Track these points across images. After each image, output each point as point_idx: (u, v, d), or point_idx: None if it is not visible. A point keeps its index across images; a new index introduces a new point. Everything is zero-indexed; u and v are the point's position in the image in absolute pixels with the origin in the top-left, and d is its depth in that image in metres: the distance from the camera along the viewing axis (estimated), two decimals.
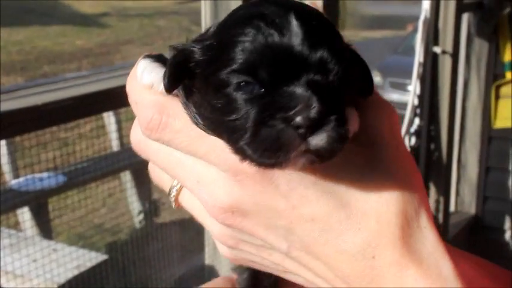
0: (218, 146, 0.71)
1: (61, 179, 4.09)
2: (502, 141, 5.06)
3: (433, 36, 4.36)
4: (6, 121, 1.97)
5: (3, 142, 4.27)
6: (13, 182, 4.26)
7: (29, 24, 16.73)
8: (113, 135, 4.58)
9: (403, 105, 4.64)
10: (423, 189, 0.76)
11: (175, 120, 0.74)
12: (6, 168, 4.39)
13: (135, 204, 4.90)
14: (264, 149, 0.65)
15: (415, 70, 4.45)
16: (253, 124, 0.65)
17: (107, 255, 3.00)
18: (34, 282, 2.58)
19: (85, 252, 2.95)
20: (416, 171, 0.77)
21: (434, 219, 4.50)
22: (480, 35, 4.86)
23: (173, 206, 0.81)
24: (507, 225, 5.19)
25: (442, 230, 4.71)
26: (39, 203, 4.36)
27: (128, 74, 0.80)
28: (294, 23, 0.66)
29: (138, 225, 4.90)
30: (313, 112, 0.63)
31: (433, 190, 4.65)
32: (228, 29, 0.70)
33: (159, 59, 0.78)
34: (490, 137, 5.08)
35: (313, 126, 0.63)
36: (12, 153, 4.37)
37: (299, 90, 0.65)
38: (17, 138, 3.64)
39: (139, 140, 0.79)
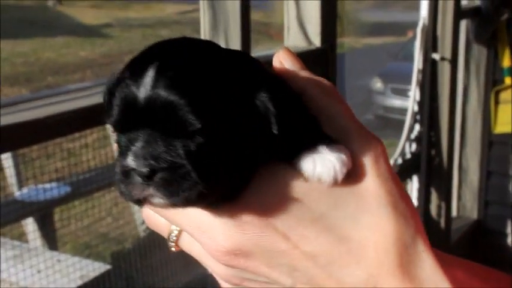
0: None
1: (66, 189, 4.11)
2: (503, 146, 5.08)
3: (431, 43, 4.39)
4: (6, 135, 1.99)
5: (9, 155, 4.29)
6: (18, 193, 4.28)
7: (33, 36, 16.78)
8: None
9: (405, 111, 4.66)
10: (416, 215, 0.77)
11: None
12: (11, 179, 4.41)
13: (139, 214, 4.92)
14: (123, 192, 0.70)
15: (414, 77, 4.48)
16: (116, 170, 0.71)
17: (110, 264, 3.02)
18: None
19: (88, 262, 2.96)
20: (408, 198, 0.78)
21: (437, 224, 4.52)
22: (478, 41, 4.88)
23: (173, 249, 0.82)
24: (509, 229, 5.20)
25: (444, 235, 4.73)
26: (44, 213, 4.38)
27: None
28: (151, 71, 0.68)
29: (142, 234, 4.91)
30: (145, 163, 0.67)
31: (434, 195, 4.67)
32: (126, 66, 0.74)
33: None
34: (491, 142, 5.10)
35: (149, 176, 0.67)
36: (17, 164, 4.39)
37: (137, 141, 0.68)
38: (24, 149, 3.67)
39: None
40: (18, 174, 4.41)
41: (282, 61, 0.84)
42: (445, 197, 4.68)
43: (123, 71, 0.71)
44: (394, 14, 19.06)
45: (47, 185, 3.86)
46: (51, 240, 4.41)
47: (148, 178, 0.67)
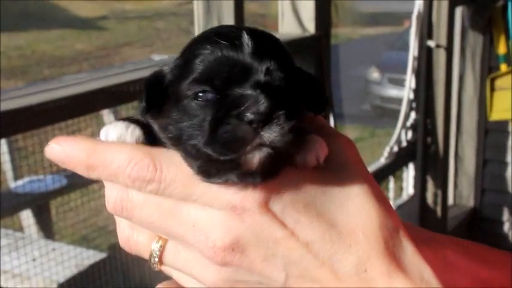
0: (212, 186, 0.73)
1: (62, 181, 4.11)
2: (499, 133, 5.09)
3: (427, 30, 4.39)
4: (2, 121, 1.99)
5: (5, 146, 4.29)
6: (13, 185, 4.28)
7: (29, 29, 16.77)
8: None
9: (402, 101, 4.66)
10: (390, 203, 0.80)
11: (169, 168, 0.75)
12: (8, 170, 4.41)
13: None
14: (222, 145, 0.70)
15: (410, 64, 4.48)
16: (210, 124, 0.71)
17: (107, 253, 3.02)
18: (33, 281, 2.60)
19: (83, 250, 2.97)
20: (382, 191, 0.81)
21: (433, 212, 4.53)
22: (474, 28, 4.88)
23: (156, 268, 0.81)
24: (505, 217, 5.21)
25: (441, 223, 4.74)
26: (40, 205, 4.39)
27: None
28: (245, 39, 0.73)
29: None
30: (262, 107, 0.69)
31: (430, 183, 4.68)
32: (190, 48, 0.77)
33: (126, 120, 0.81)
34: (487, 129, 5.10)
35: (264, 121, 0.69)
36: (13, 156, 4.39)
37: (248, 90, 0.71)
38: (20, 143, 3.67)
39: (121, 198, 0.78)
40: (14, 166, 4.41)
41: None
42: (441, 184, 4.69)
43: (202, 41, 0.75)
44: (391, 4, 19.02)
45: (43, 177, 3.86)
46: (48, 231, 4.42)
47: (264, 124, 0.69)
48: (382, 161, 4.37)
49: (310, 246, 0.74)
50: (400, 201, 4.65)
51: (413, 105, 4.57)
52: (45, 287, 2.70)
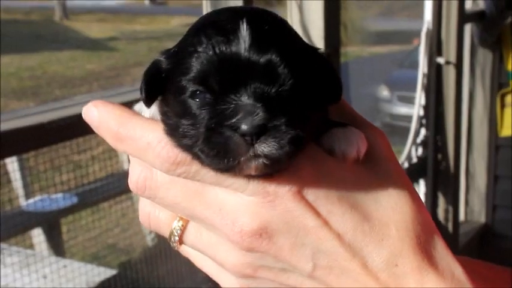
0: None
1: (73, 199, 4.12)
2: (510, 149, 5.06)
3: (436, 47, 4.39)
4: (12, 139, 2.01)
5: (16, 166, 4.31)
6: (25, 204, 4.29)
7: (40, 50, 16.90)
8: (124, 156, 4.61)
9: (412, 118, 4.66)
10: (423, 203, 0.80)
11: None
12: (19, 190, 4.42)
13: None
14: (214, 155, 0.68)
15: (420, 81, 4.48)
16: (204, 131, 0.68)
17: (117, 270, 3.02)
18: None
19: (94, 267, 2.97)
20: (413, 187, 0.81)
21: (444, 228, 4.50)
22: (483, 44, 4.88)
23: (175, 247, 0.80)
24: None
25: (452, 239, 4.71)
26: (51, 223, 4.39)
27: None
28: (243, 29, 0.68)
29: (150, 244, 4.91)
30: (256, 120, 0.66)
31: (441, 200, 4.65)
32: (187, 38, 0.74)
33: None
34: (497, 145, 5.08)
35: (259, 133, 0.66)
36: (24, 175, 4.40)
37: (243, 98, 0.67)
38: (31, 162, 3.68)
39: (145, 177, 0.77)
40: (25, 185, 4.42)
41: None
42: (452, 201, 4.67)
43: (198, 31, 0.71)
44: (400, 23, 19.07)
45: (54, 196, 3.87)
46: (58, 250, 4.41)
47: (258, 136, 0.66)
48: None
49: (342, 237, 0.73)
50: None
51: (424, 121, 4.56)
52: None
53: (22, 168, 4.34)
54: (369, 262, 0.73)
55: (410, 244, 0.74)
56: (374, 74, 13.44)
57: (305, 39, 2.77)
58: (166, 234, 0.80)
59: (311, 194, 0.73)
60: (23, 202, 4.32)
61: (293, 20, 3.23)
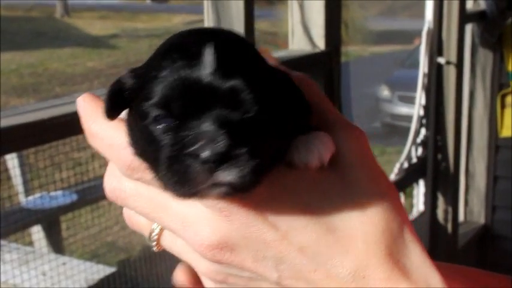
0: None
1: (72, 197, 4.12)
2: (510, 150, 5.06)
3: (437, 47, 4.40)
4: (13, 135, 2.01)
5: (16, 163, 4.31)
6: (24, 201, 4.29)
7: (41, 47, 16.90)
8: None
9: (412, 119, 4.66)
10: (401, 205, 0.77)
11: None
12: (18, 188, 4.42)
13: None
14: (175, 182, 0.67)
15: (420, 81, 4.48)
16: (165, 158, 0.67)
17: (116, 268, 3.02)
18: None
19: (93, 265, 2.97)
20: (393, 188, 0.77)
21: (444, 229, 4.50)
22: (484, 45, 4.88)
23: (155, 249, 0.80)
24: None
25: (452, 240, 4.71)
26: (51, 221, 4.39)
27: None
28: (208, 54, 0.67)
29: (149, 242, 4.91)
30: (218, 147, 0.64)
31: (441, 200, 4.66)
32: (153, 59, 0.72)
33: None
34: (497, 146, 5.08)
35: (220, 161, 0.64)
36: (24, 173, 4.41)
37: (205, 124, 0.66)
38: (31, 159, 3.68)
39: (115, 187, 0.78)
40: (25, 182, 4.42)
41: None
42: (452, 201, 4.67)
43: (165, 55, 0.70)
44: (401, 22, 19.10)
45: (54, 193, 3.87)
46: (58, 247, 4.42)
47: (219, 164, 0.64)
48: (392, 177, 4.36)
49: (305, 250, 0.71)
50: (410, 218, 4.63)
51: (424, 121, 4.56)
52: None
53: (22, 166, 4.34)
54: (335, 274, 0.71)
55: (380, 255, 0.71)
56: (375, 73, 13.45)
57: (306, 38, 2.74)
58: (145, 234, 0.80)
59: (269, 208, 0.72)
60: (22, 199, 4.32)
61: (294, 18, 3.23)
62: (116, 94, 0.73)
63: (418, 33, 4.78)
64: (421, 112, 4.55)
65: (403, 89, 11.32)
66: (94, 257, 4.63)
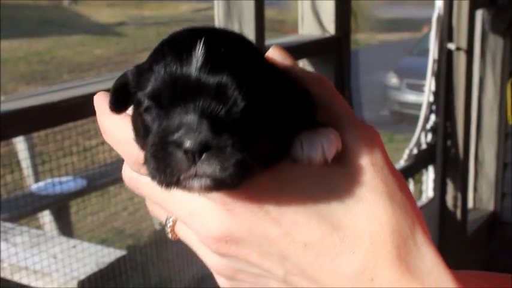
0: None
1: (82, 182, 4.14)
2: None
3: (447, 33, 4.37)
4: (24, 118, 2.01)
5: (25, 147, 4.33)
6: (34, 186, 4.31)
7: (49, 35, 16.89)
8: None
9: (421, 106, 4.64)
10: (415, 206, 0.75)
11: None
12: (28, 172, 4.44)
13: None
14: (157, 169, 0.67)
15: (430, 67, 4.46)
16: (151, 145, 0.69)
17: (126, 251, 3.03)
18: (54, 277, 2.62)
19: (103, 248, 2.98)
20: (407, 189, 0.76)
21: (453, 215, 4.50)
22: (494, 31, 4.85)
23: (170, 237, 0.80)
24: None
25: (461, 226, 4.70)
26: (60, 206, 4.42)
27: None
28: (198, 49, 0.68)
29: (158, 227, 4.93)
30: (199, 137, 0.65)
31: (450, 187, 4.65)
32: (151, 55, 0.74)
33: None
34: (507, 133, 5.06)
35: (201, 151, 0.65)
36: (33, 157, 4.42)
37: (189, 115, 0.66)
38: (41, 146, 3.69)
39: (130, 177, 0.80)
40: (35, 168, 4.44)
41: (273, 55, 0.81)
42: (461, 188, 4.66)
43: (159, 51, 0.72)
44: (409, 10, 19.00)
45: (63, 178, 3.88)
46: (67, 233, 4.44)
47: (199, 154, 0.65)
48: (402, 163, 4.35)
49: (309, 247, 0.71)
50: (420, 204, 4.62)
51: (433, 108, 4.55)
52: (65, 283, 2.72)
53: (32, 151, 4.36)
54: (340, 274, 0.70)
55: (388, 257, 0.70)
56: (383, 61, 13.40)
57: (315, 23, 2.73)
58: (163, 221, 0.81)
59: (272, 205, 0.71)
60: (32, 185, 4.34)
61: (304, 3, 3.22)
62: (121, 88, 0.76)
63: (426, 21, 4.76)
64: (431, 98, 4.53)
65: (412, 76, 11.29)
66: (103, 242, 4.66)
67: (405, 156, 4.38)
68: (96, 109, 0.80)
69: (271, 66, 0.75)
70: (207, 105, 0.66)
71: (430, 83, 4.50)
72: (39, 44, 16.18)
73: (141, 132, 0.72)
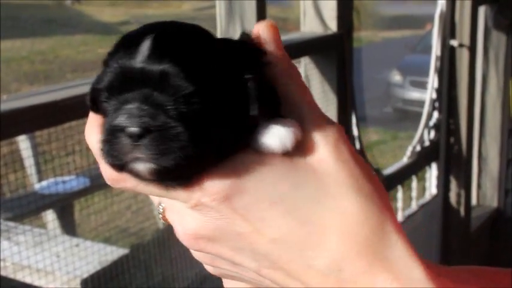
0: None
1: (85, 181, 4.14)
2: None
3: (449, 29, 4.37)
4: (26, 116, 2.01)
5: (28, 146, 4.33)
6: (37, 186, 4.32)
7: (52, 34, 16.93)
8: None
9: (424, 103, 4.64)
10: (385, 197, 0.75)
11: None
12: (31, 172, 4.45)
13: None
14: (108, 154, 0.71)
15: (433, 64, 4.46)
16: (102, 133, 0.72)
17: (129, 250, 3.05)
18: (57, 276, 2.63)
19: (107, 246, 2.99)
20: (375, 181, 0.76)
21: (456, 212, 4.49)
22: (497, 27, 4.85)
23: (161, 220, 0.81)
24: None
25: (464, 223, 4.70)
26: (64, 206, 4.42)
27: None
28: (146, 43, 0.72)
29: (161, 226, 4.94)
30: (138, 121, 0.68)
31: (454, 184, 4.65)
32: (109, 51, 0.78)
33: None
34: (510, 129, 5.06)
35: (140, 135, 0.68)
36: (36, 156, 4.43)
37: (132, 103, 0.70)
38: (44, 146, 3.70)
39: (111, 174, 0.79)
40: (38, 167, 4.45)
41: (261, 32, 0.79)
42: (465, 185, 4.66)
43: (115, 47, 0.75)
44: (412, 7, 19.01)
45: (66, 177, 3.89)
46: (71, 232, 4.45)
47: (139, 137, 0.68)
48: (405, 160, 4.35)
49: (277, 242, 0.71)
50: (423, 201, 4.62)
51: (436, 104, 4.54)
52: (68, 282, 2.73)
53: (35, 150, 4.37)
54: (310, 266, 0.71)
55: (356, 249, 0.70)
56: (386, 58, 13.41)
57: (318, 20, 2.73)
58: (156, 205, 0.82)
59: (238, 200, 0.71)
60: (35, 184, 4.35)
61: (306, 1, 3.22)
62: (95, 88, 0.78)
63: (429, 18, 4.75)
64: (434, 95, 4.53)
65: (415, 74, 11.29)
66: (106, 241, 4.66)
67: (408, 153, 4.38)
68: (87, 122, 0.80)
69: (229, 56, 0.75)
70: (150, 92, 0.69)
71: (432, 80, 4.49)
72: (42, 44, 16.21)
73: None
